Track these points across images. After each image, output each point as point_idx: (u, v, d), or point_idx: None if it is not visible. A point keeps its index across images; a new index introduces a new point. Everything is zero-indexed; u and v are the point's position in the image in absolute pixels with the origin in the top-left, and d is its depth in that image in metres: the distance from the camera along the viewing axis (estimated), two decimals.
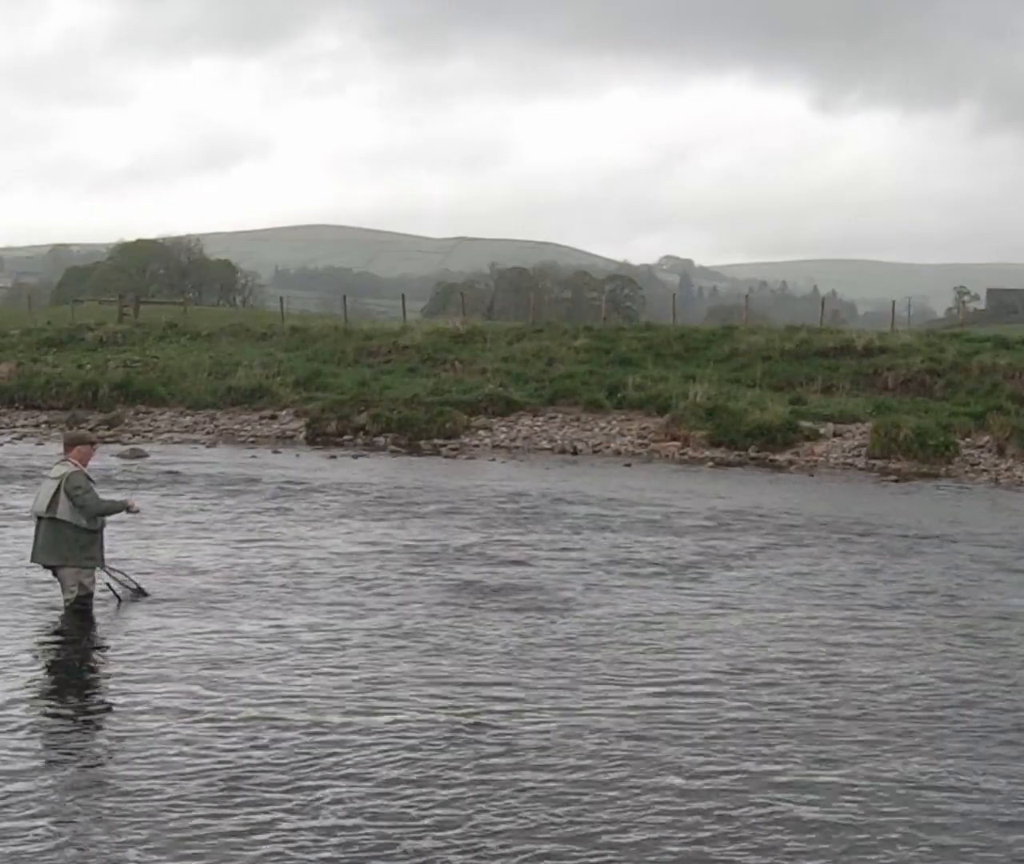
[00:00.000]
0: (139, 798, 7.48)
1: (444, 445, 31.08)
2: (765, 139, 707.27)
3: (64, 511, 11.94)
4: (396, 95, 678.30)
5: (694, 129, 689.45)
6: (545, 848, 6.96)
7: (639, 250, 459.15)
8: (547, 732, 8.87)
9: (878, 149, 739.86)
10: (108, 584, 12.55)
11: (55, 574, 12.24)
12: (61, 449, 12.75)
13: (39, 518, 12.11)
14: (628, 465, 28.42)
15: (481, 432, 32.50)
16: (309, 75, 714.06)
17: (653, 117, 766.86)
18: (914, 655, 11.34)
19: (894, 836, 7.26)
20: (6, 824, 7.08)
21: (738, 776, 8.11)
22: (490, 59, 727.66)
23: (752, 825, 7.34)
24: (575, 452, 30.95)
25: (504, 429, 32.78)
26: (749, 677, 10.42)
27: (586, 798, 7.66)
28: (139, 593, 12.77)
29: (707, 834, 7.20)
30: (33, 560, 12.34)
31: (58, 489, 11.96)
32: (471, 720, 9.03)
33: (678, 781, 7.99)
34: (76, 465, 12.17)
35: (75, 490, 11.91)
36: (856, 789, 7.94)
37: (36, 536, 12.20)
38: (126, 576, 12.85)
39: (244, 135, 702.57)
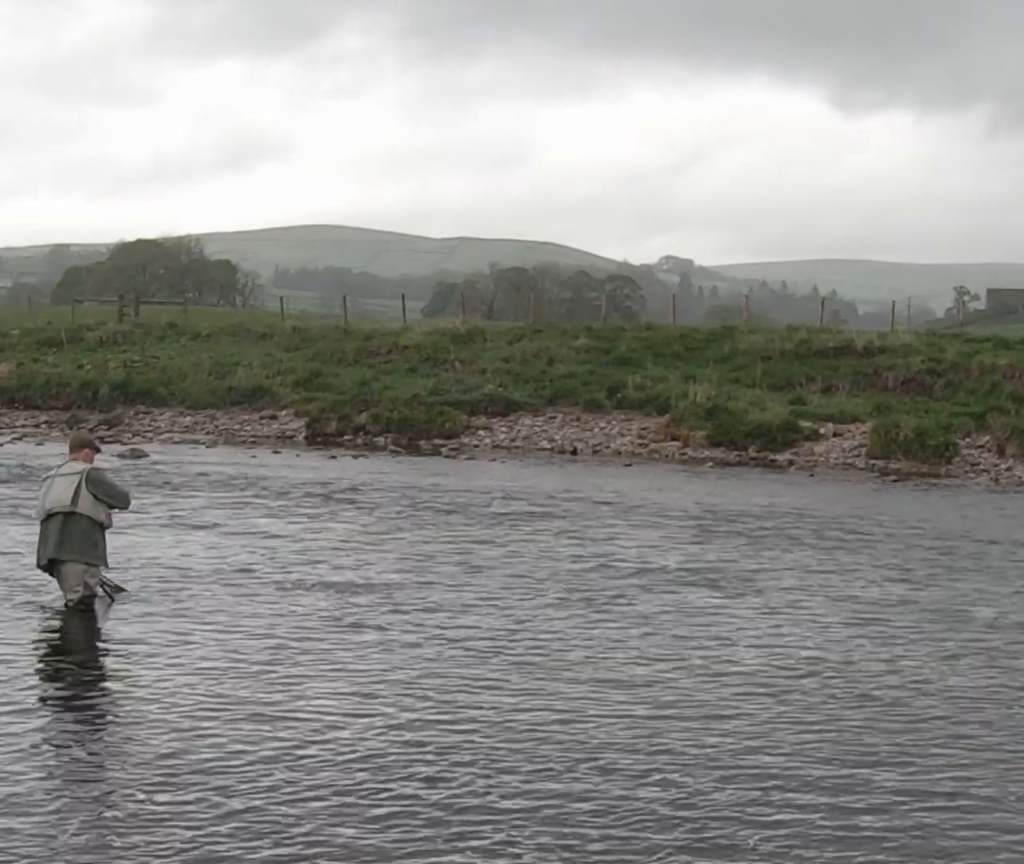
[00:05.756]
0: (146, 797, 7.49)
1: (444, 445, 31.10)
2: (781, 140, 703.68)
3: (85, 506, 11.98)
4: (416, 97, 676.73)
5: (711, 130, 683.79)
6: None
7: (649, 251, 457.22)
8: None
9: (891, 151, 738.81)
10: (102, 585, 12.54)
11: (54, 573, 12.20)
12: (67, 451, 12.82)
13: (51, 515, 12.03)
14: (628, 465, 28.42)
15: (481, 432, 32.53)
16: (331, 77, 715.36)
17: (671, 119, 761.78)
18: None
19: None
20: (12, 813, 7.09)
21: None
22: (511, 62, 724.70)
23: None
24: (575, 452, 30.97)
25: (504, 429, 32.80)
26: None
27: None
28: (117, 590, 12.74)
29: None
30: (43, 556, 12.10)
31: (79, 484, 11.98)
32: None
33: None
34: (88, 464, 12.30)
35: (105, 481, 12.22)
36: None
37: (47, 534, 12.07)
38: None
39: (264, 136, 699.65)
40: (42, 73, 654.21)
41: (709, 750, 8.57)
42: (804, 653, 11.21)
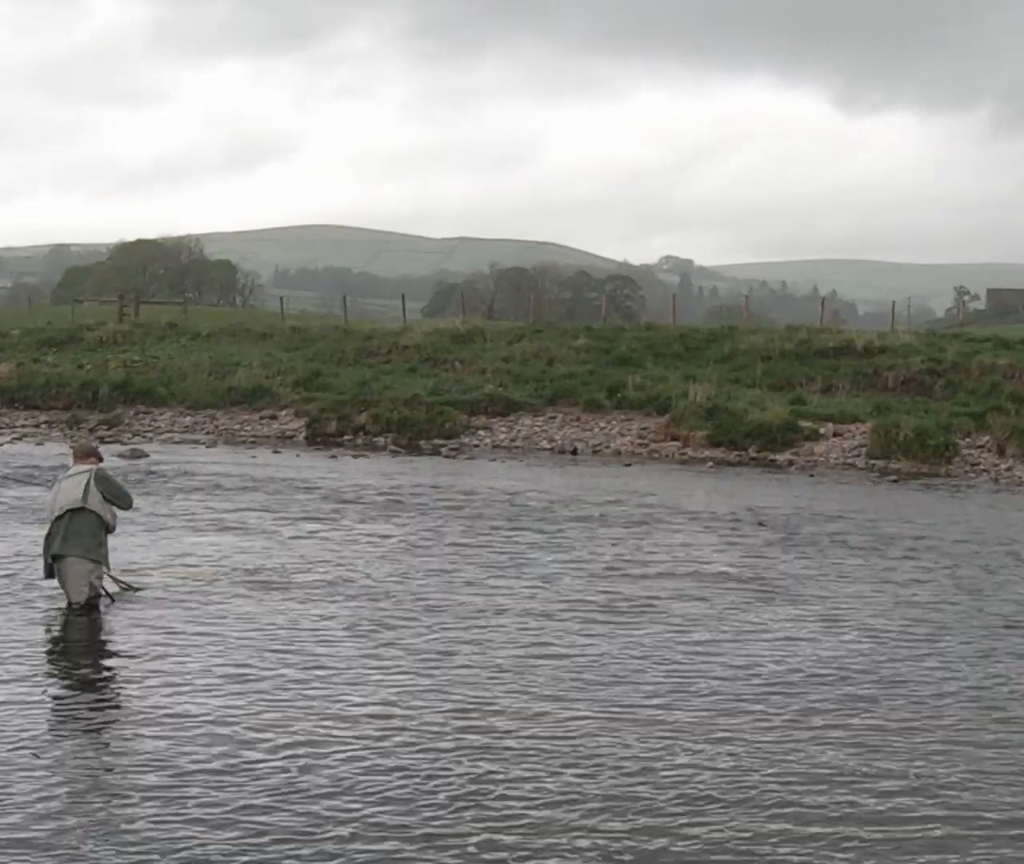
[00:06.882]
0: (153, 801, 7.50)
1: (444, 445, 31.09)
2: (781, 141, 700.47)
3: (95, 503, 12.12)
4: (417, 97, 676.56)
5: (711, 130, 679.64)
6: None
7: (649, 251, 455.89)
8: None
9: (891, 151, 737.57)
10: (102, 586, 12.55)
11: (56, 574, 12.19)
12: (71, 460, 12.91)
13: (59, 518, 12.07)
14: (628, 465, 28.42)
15: (481, 432, 32.53)
16: (332, 77, 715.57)
17: (671, 119, 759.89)
18: None
19: None
20: (14, 812, 7.10)
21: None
22: (512, 62, 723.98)
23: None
24: (575, 452, 30.97)
25: (504, 429, 32.81)
26: None
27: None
28: (132, 589, 12.76)
29: None
30: (48, 555, 12.15)
31: (88, 481, 12.10)
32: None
33: None
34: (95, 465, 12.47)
35: (111, 480, 12.43)
36: None
37: (53, 533, 12.13)
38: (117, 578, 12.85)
39: (264, 136, 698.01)
40: (42, 73, 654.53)
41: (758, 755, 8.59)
42: (858, 663, 10.95)
